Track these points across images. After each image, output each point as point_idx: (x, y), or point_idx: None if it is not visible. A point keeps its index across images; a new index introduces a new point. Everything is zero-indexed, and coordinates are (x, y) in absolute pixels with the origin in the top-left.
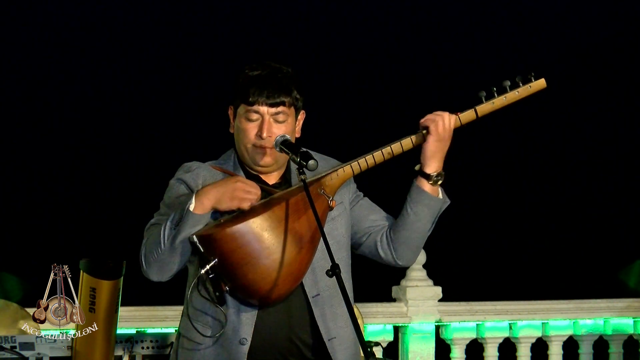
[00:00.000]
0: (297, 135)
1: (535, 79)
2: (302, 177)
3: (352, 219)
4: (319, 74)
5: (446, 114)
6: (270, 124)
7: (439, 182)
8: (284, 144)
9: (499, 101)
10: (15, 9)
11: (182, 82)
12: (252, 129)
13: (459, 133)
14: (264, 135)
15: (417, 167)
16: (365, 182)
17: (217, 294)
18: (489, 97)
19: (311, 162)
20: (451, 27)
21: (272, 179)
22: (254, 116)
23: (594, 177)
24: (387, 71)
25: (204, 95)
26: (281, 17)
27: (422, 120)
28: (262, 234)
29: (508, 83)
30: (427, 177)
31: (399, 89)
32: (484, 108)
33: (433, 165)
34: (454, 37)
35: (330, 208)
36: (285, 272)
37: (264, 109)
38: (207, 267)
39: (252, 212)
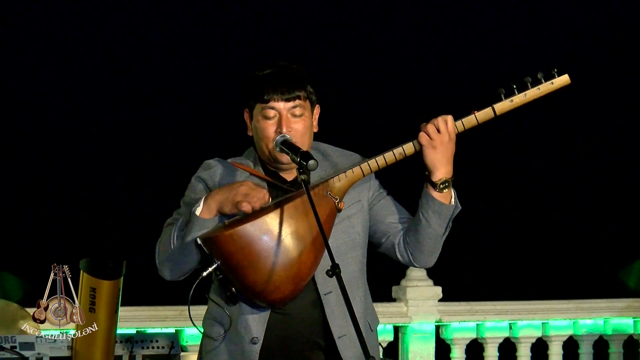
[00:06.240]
0: (315, 129)
1: (559, 75)
2: (302, 177)
3: (371, 219)
4: (334, 70)
5: (440, 119)
6: (289, 119)
7: (445, 190)
8: (284, 144)
9: (519, 99)
10: (19, 7)
11: (183, 81)
12: (270, 126)
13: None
14: (284, 130)
15: (427, 172)
16: (389, 176)
17: (228, 294)
18: (509, 94)
19: (311, 162)
20: (464, 23)
21: (290, 176)
22: (271, 113)
23: (595, 177)
24: (400, 66)
25: (206, 96)
26: (294, 16)
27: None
28: (261, 236)
29: (529, 79)
30: (433, 184)
31: (413, 85)
32: (503, 106)
33: (438, 172)
34: (468, 33)
35: (339, 210)
36: (286, 274)
37: (280, 104)
38: (210, 269)
39: (255, 214)
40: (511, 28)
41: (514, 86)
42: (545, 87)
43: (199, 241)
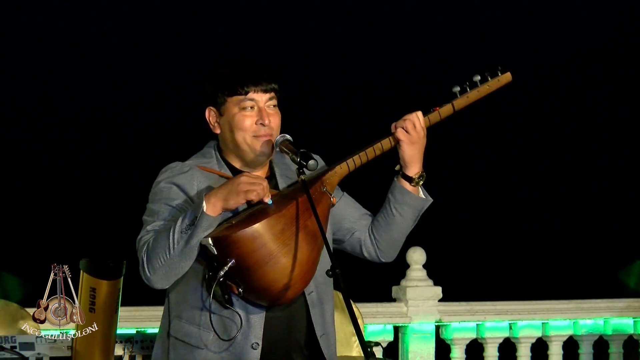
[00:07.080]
0: None
1: (502, 73)
2: (302, 177)
3: (334, 217)
4: (300, 72)
5: (414, 116)
6: (267, 111)
7: (421, 183)
8: (284, 144)
9: (473, 95)
10: (15, 9)
11: (183, 81)
12: (249, 118)
13: (462, 132)
14: (266, 122)
15: (397, 168)
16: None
17: (226, 296)
18: (463, 91)
19: (311, 162)
20: (444, 24)
21: (259, 174)
22: (249, 104)
23: (595, 177)
24: (366, 69)
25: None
26: (257, 17)
27: (392, 128)
28: (279, 232)
29: (478, 78)
30: (409, 179)
31: (378, 87)
32: (460, 102)
33: (414, 167)
34: (447, 34)
35: (332, 205)
36: (301, 271)
37: (258, 96)
38: (226, 268)
39: (265, 211)
40: (462, 29)
41: (467, 84)
42: (494, 84)
43: (208, 241)
